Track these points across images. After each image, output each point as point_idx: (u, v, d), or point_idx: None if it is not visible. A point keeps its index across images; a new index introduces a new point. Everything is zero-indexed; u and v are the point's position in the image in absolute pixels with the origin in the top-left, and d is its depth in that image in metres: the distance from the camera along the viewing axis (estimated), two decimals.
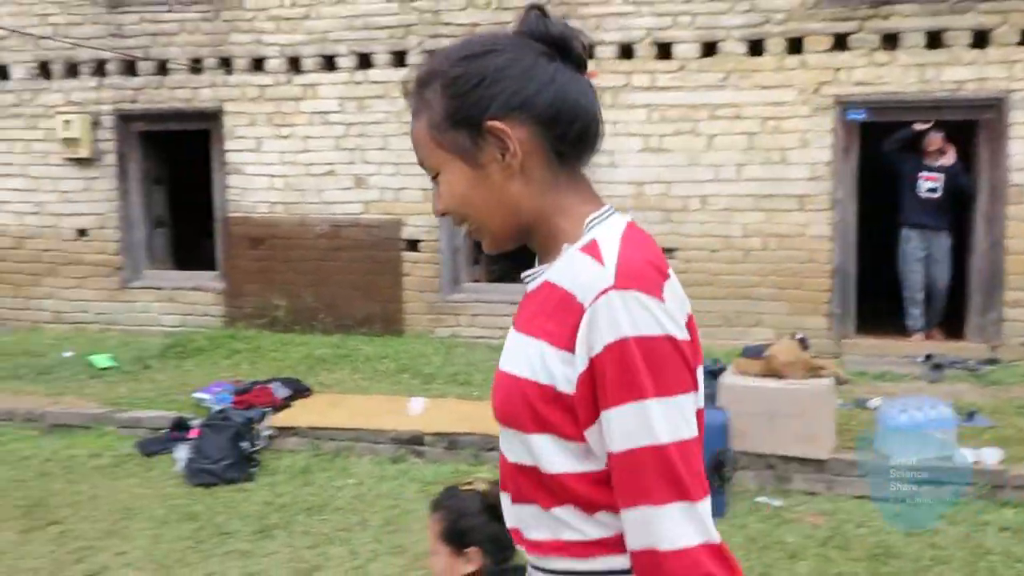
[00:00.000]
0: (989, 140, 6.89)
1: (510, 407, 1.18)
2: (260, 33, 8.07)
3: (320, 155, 8.07)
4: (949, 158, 7.11)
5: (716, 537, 1.09)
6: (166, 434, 5.97)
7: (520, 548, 1.26)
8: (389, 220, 8.02)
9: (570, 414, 1.13)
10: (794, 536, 4.45)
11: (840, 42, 6.94)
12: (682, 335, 1.11)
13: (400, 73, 7.73)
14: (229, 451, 5.36)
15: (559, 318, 1.13)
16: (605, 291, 1.08)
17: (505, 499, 1.27)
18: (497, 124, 1.16)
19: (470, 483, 2.26)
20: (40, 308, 8.97)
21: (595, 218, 1.19)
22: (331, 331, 8.09)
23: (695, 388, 1.13)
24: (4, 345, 8.37)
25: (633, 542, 1.10)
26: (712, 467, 4.70)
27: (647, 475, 1.07)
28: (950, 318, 7.42)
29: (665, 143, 7.32)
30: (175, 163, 9.30)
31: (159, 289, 8.79)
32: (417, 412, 5.89)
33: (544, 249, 1.23)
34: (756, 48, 7.10)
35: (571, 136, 1.19)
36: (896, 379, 6.69)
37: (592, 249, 1.14)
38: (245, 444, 5.47)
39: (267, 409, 5.98)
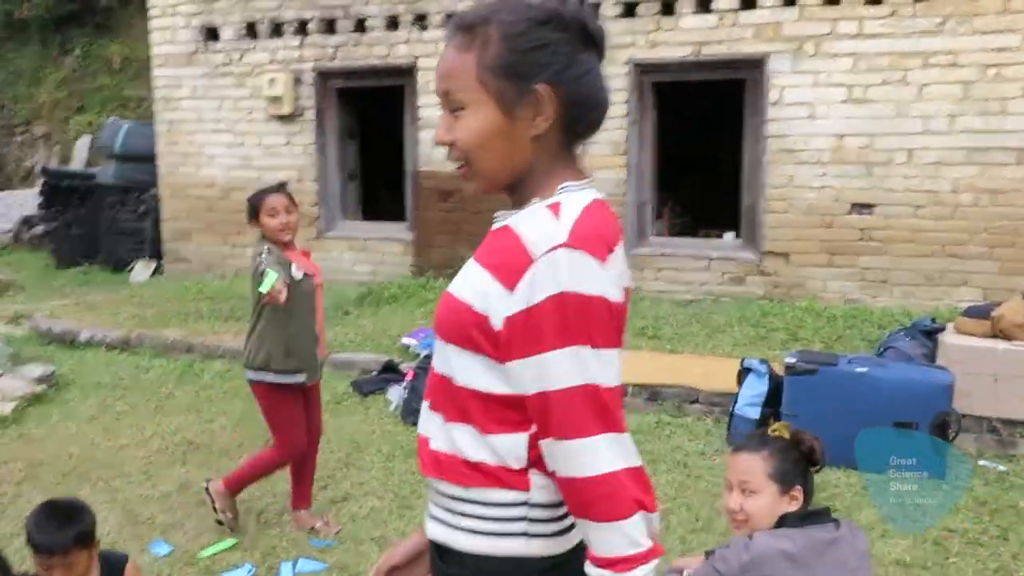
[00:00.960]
0: None
1: (447, 323, 1.34)
2: None
3: None
4: None
5: (638, 462, 1.25)
6: (377, 375, 6.34)
7: (419, 463, 1.41)
8: None
9: (492, 342, 1.27)
10: None
11: None
12: (616, 299, 1.25)
13: None
14: None
15: (509, 259, 1.26)
16: (555, 247, 1.22)
17: (424, 406, 1.42)
18: (545, 89, 1.28)
19: (776, 430, 2.32)
20: (245, 256, 9.61)
21: (569, 186, 1.32)
22: None
23: (621, 346, 1.28)
24: (218, 290, 9.05)
25: (565, 470, 1.24)
26: (935, 427, 4.59)
27: (582, 411, 1.21)
28: None
29: (870, 93, 7.01)
30: (367, 119, 9.69)
31: (352, 239, 9.23)
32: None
33: (516, 200, 1.36)
34: None
35: (587, 121, 1.35)
36: None
37: (554, 208, 1.28)
38: None
39: None
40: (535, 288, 1.22)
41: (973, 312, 5.12)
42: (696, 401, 5.58)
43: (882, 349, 5.42)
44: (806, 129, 7.22)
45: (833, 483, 4.47)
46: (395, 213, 9.35)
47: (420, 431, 1.43)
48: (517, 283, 1.24)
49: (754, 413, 4.95)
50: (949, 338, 5.06)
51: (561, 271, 1.21)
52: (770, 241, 7.43)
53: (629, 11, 7.67)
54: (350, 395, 6.18)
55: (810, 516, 2.24)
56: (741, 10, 7.33)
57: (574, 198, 1.31)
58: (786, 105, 7.27)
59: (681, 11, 7.52)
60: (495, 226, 1.37)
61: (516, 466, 1.31)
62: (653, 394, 5.66)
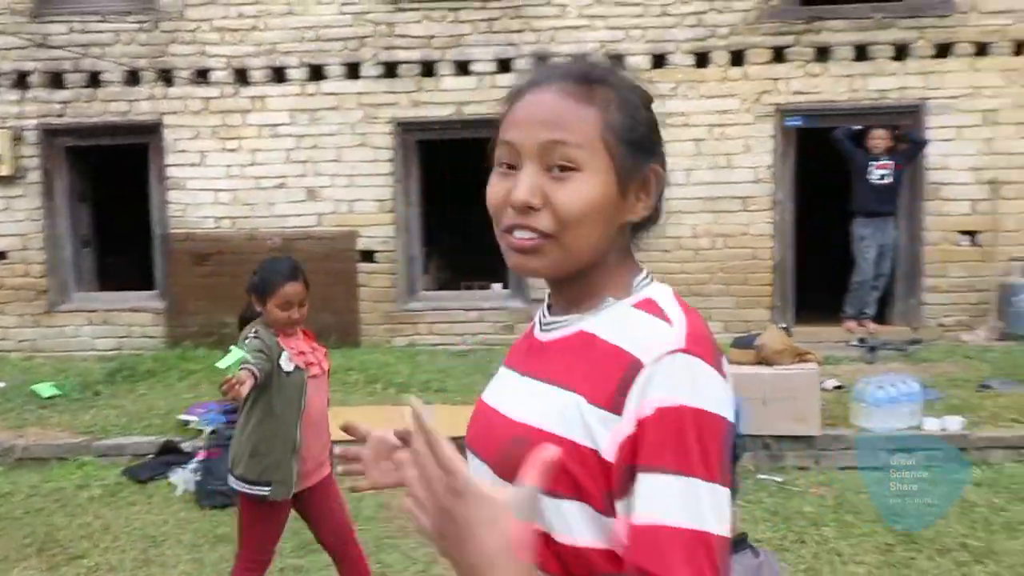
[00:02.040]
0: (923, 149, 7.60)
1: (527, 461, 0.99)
2: (204, 44, 7.88)
3: (270, 168, 7.97)
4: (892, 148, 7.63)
5: None
6: (154, 459, 5.79)
7: None
8: (343, 232, 8.01)
9: (604, 482, 1.00)
10: (810, 506, 4.86)
11: (778, 55, 7.53)
12: (732, 422, 1.03)
13: (356, 85, 7.77)
14: None
15: (603, 373, 1.03)
16: (673, 351, 1.00)
17: None
18: (657, 171, 1.14)
19: None
20: None
21: (642, 280, 1.15)
22: None
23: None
24: None
25: None
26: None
27: (683, 557, 0.94)
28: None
29: None
30: (101, 180, 8.90)
31: (90, 311, 8.39)
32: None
33: (575, 296, 1.14)
34: (702, 60, 7.59)
35: (656, 219, 1.19)
36: (837, 362, 7.30)
37: (650, 306, 1.08)
38: None
39: None
40: (646, 400, 0.99)
41: (739, 343, 5.75)
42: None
43: None
44: None
45: None
46: (139, 280, 8.64)
47: None
48: (625, 401, 1.00)
49: None
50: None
51: (679, 381, 0.99)
52: (536, 290, 7.81)
53: (391, 72, 7.80)
54: (125, 484, 5.57)
55: (737, 544, 2.40)
56: (498, 73, 7.73)
57: (658, 291, 1.13)
58: None
59: (441, 73, 7.78)
60: (552, 334, 1.15)
61: None
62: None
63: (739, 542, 2.38)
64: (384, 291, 8.05)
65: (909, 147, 7.50)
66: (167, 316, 8.27)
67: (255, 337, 3.21)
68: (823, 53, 7.53)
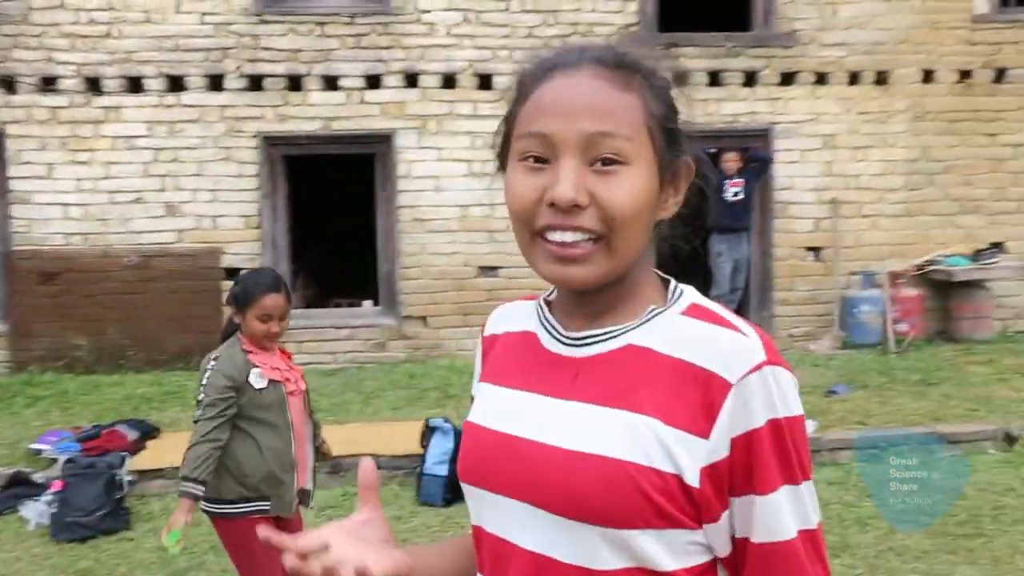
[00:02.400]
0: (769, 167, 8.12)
1: (610, 499, 0.93)
2: (50, 51, 7.44)
3: (126, 182, 7.60)
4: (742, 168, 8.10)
5: None
6: (1, 492, 5.40)
7: None
8: (206, 248, 7.73)
9: (691, 507, 0.95)
10: None
11: None
12: None
13: (219, 98, 7.54)
14: (103, 500, 5.00)
15: (675, 391, 0.95)
16: (759, 366, 0.94)
17: None
18: (691, 163, 1.04)
19: None
20: None
21: (673, 282, 1.06)
22: (143, 368, 7.62)
23: None
24: None
25: None
26: None
27: (805, 562, 0.97)
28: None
29: (488, 168, 7.74)
30: None
31: None
32: None
33: (608, 305, 1.03)
34: None
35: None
36: None
37: (704, 314, 1.00)
38: (116, 492, 5.13)
39: (124, 453, 5.61)
40: (743, 419, 0.93)
41: None
42: (378, 467, 5.63)
43: None
44: (434, 200, 7.77)
45: None
46: None
47: None
48: (714, 423, 0.94)
49: (443, 471, 5.17)
50: None
51: (773, 396, 0.94)
52: (408, 306, 7.80)
53: (255, 85, 7.62)
54: None
55: None
56: (367, 89, 7.69)
57: (699, 296, 1.04)
58: (415, 178, 7.76)
59: (308, 87, 7.66)
60: (592, 348, 1.02)
61: None
62: (334, 467, 5.60)
63: None
64: None
65: (756, 165, 7.97)
66: (10, 339, 7.72)
67: (215, 370, 3.03)
68: (679, 78, 7.89)
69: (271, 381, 3.08)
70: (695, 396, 0.94)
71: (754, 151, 8.00)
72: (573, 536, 0.96)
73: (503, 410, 1.06)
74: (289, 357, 3.32)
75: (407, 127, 7.73)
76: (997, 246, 8.20)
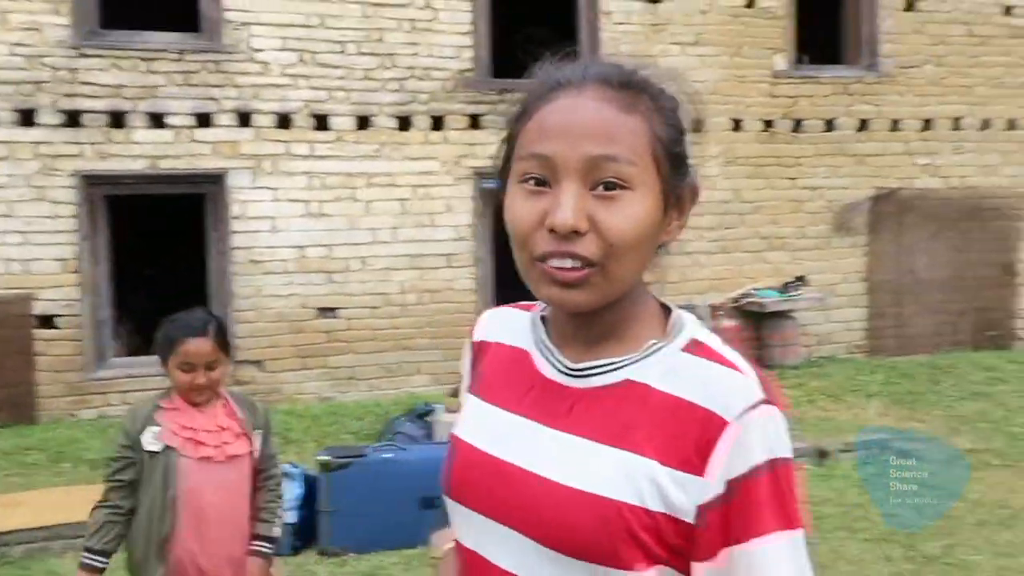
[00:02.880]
0: None
1: (602, 537, 0.93)
2: None
3: None
4: None
5: None
6: None
7: None
8: (16, 295, 7.17)
9: (679, 543, 0.94)
10: None
11: (475, 122, 8.06)
12: None
13: (31, 134, 7.06)
14: None
15: (672, 431, 0.94)
16: (756, 406, 0.93)
17: None
18: (697, 187, 1.04)
19: None
20: None
21: (675, 313, 1.05)
22: None
23: None
24: None
25: None
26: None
27: None
28: None
29: (325, 208, 7.73)
30: None
31: None
32: None
33: (604, 330, 1.02)
34: (405, 124, 7.90)
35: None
36: None
37: (704, 351, 0.99)
38: None
39: None
40: (739, 461, 0.92)
41: (456, 392, 5.99)
42: None
43: (391, 435, 5.98)
44: (270, 241, 7.59)
45: (383, 564, 4.81)
46: None
47: None
48: (708, 461, 0.93)
49: (293, 517, 5.03)
50: (442, 417, 5.84)
51: (769, 435, 0.93)
52: (243, 350, 7.54)
53: (73, 121, 7.19)
54: None
55: None
56: (197, 127, 7.44)
57: (701, 331, 1.03)
58: (249, 219, 7.56)
59: (132, 124, 7.33)
60: (590, 381, 1.01)
61: None
62: None
63: None
64: (67, 359, 7.30)
65: None
66: None
67: (121, 424, 2.81)
68: None
69: (166, 446, 2.66)
70: (692, 434, 0.93)
71: None
72: (557, 567, 0.96)
73: (495, 431, 1.05)
74: (233, 415, 2.79)
75: (240, 167, 7.54)
76: (800, 279, 8.98)
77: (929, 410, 7.51)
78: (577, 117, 0.96)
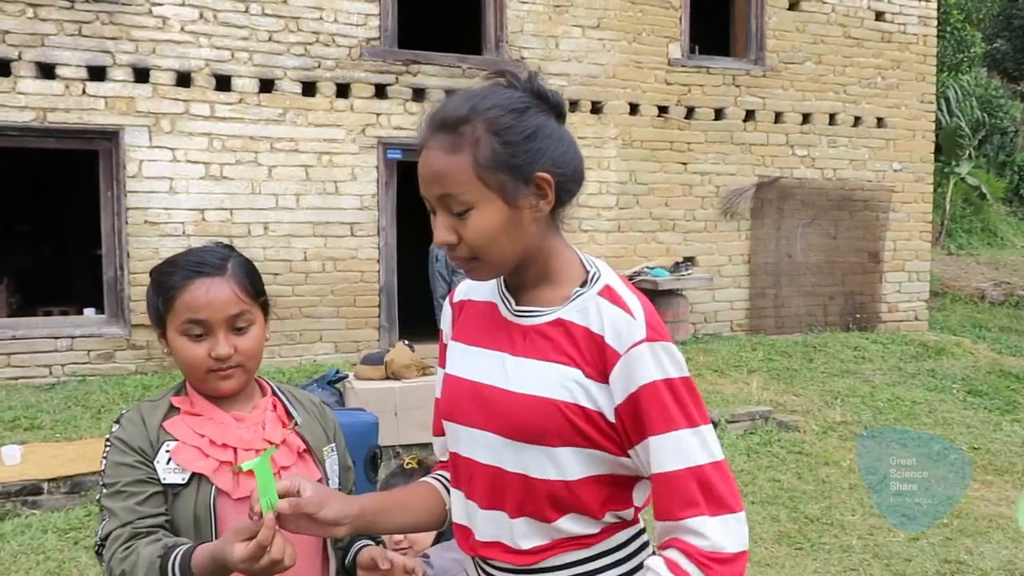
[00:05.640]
0: None
1: (541, 424, 1.30)
2: None
3: None
4: None
5: (746, 546, 1.29)
6: None
7: (494, 561, 1.39)
8: None
9: (612, 435, 1.31)
10: None
11: (380, 91, 8.01)
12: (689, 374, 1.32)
13: None
14: None
15: (591, 354, 1.30)
16: (639, 343, 1.27)
17: (495, 516, 1.37)
18: (546, 176, 1.30)
19: (409, 463, 2.66)
20: None
21: (592, 266, 1.39)
22: None
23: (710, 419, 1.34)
24: None
25: (723, 540, 1.25)
26: (368, 461, 5.30)
27: (724, 486, 1.27)
28: None
29: (226, 171, 7.53)
30: None
31: None
32: (16, 461, 5.24)
33: (534, 283, 1.38)
34: (310, 89, 7.78)
35: (576, 191, 1.38)
36: None
37: (613, 296, 1.33)
38: None
39: None
40: (632, 380, 1.27)
41: (369, 360, 6.01)
42: None
43: None
44: (168, 203, 7.35)
45: None
46: None
47: (487, 538, 1.39)
48: (610, 377, 1.28)
49: None
50: (356, 384, 5.84)
51: (650, 362, 1.27)
52: (138, 314, 7.28)
53: None
54: None
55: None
56: (90, 80, 7.11)
57: (611, 277, 1.37)
58: (146, 178, 7.29)
59: (19, 73, 6.92)
60: (533, 320, 1.37)
61: (627, 517, 1.40)
62: (74, 486, 5.14)
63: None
64: None
65: None
66: None
67: (111, 441, 1.57)
68: (419, 94, 8.20)
69: (193, 475, 1.54)
70: (600, 357, 1.30)
71: None
72: (516, 453, 1.33)
73: (474, 364, 1.42)
74: (285, 415, 1.71)
75: (137, 124, 7.25)
76: (690, 260, 9.41)
77: (805, 385, 8.04)
78: (425, 170, 1.32)
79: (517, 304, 1.40)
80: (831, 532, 4.88)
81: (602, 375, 1.29)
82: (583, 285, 1.36)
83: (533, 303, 1.38)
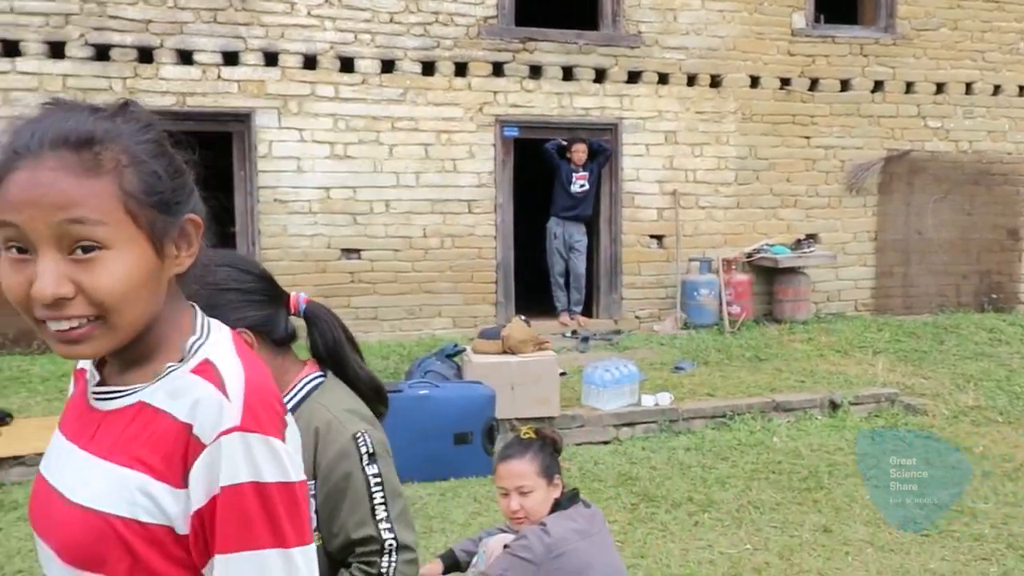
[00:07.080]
0: (610, 158, 8.57)
1: (95, 549, 1.00)
2: None
3: None
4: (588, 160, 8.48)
5: None
6: None
7: None
8: None
9: (178, 556, 1.02)
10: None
11: (498, 69, 8.10)
12: (300, 478, 1.05)
13: (60, 66, 7.07)
14: None
15: (167, 450, 1.01)
16: (229, 431, 0.99)
17: None
18: (196, 219, 1.07)
19: (526, 433, 2.73)
20: None
21: (200, 333, 1.09)
22: None
23: (311, 539, 1.06)
24: None
25: None
26: (485, 434, 5.44)
27: None
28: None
29: (350, 151, 7.79)
30: None
31: None
32: None
33: (133, 358, 1.07)
34: (429, 69, 7.94)
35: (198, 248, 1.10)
36: (556, 351, 8.00)
37: (208, 372, 1.04)
38: None
39: None
40: (212, 480, 0.99)
41: (486, 335, 6.14)
42: None
43: (423, 373, 6.11)
44: (295, 181, 7.66)
45: (420, 495, 4.97)
46: None
47: None
48: (188, 476, 1.00)
49: None
50: (473, 358, 5.98)
51: (236, 461, 0.99)
52: None
53: (102, 55, 7.20)
54: None
55: (572, 498, 2.71)
56: (224, 65, 7.46)
57: (217, 351, 1.08)
58: (275, 158, 7.62)
59: (161, 60, 7.34)
60: (111, 404, 1.07)
61: None
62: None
63: (573, 496, 2.71)
64: None
65: (600, 157, 8.41)
66: None
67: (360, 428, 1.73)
68: (536, 71, 8.24)
69: None
70: (181, 451, 1.00)
71: (595, 142, 8.41)
72: None
73: (52, 457, 1.12)
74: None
75: (267, 106, 7.57)
76: (812, 237, 9.14)
77: (934, 368, 7.72)
78: (37, 188, 0.95)
79: (100, 382, 1.10)
80: (961, 520, 4.70)
81: (180, 477, 1.00)
82: (182, 360, 1.06)
83: (118, 381, 1.08)
